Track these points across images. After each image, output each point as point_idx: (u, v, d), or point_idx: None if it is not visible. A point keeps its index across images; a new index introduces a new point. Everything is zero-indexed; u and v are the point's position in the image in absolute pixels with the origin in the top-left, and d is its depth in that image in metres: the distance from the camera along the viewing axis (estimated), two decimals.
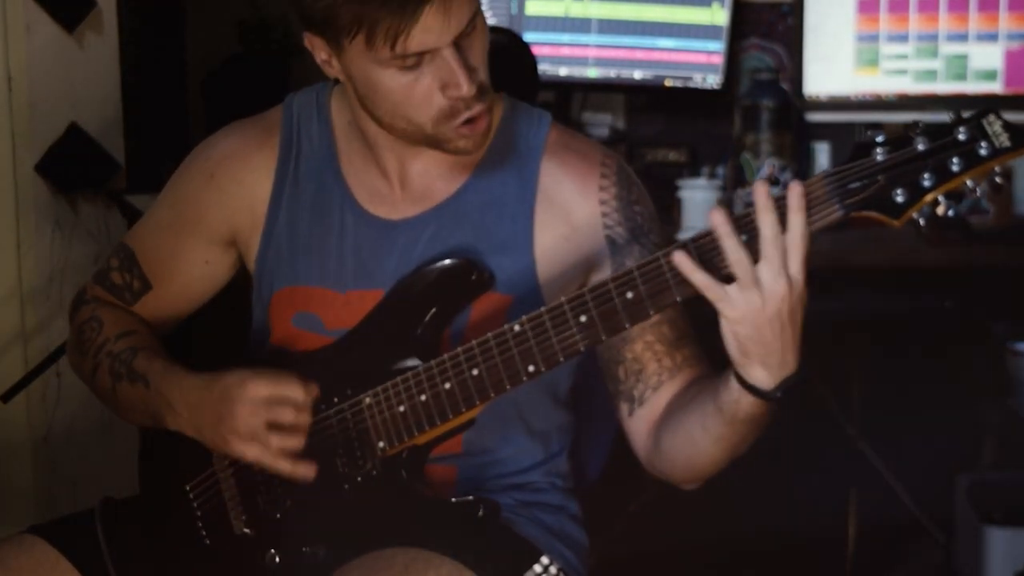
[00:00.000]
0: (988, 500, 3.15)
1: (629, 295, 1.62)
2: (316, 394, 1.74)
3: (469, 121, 1.74)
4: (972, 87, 3.14)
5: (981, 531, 3.08)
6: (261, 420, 1.72)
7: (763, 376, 1.60)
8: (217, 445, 1.78)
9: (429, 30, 1.65)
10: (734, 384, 1.62)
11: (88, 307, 1.99)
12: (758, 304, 1.55)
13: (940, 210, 1.53)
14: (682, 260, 1.58)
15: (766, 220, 1.55)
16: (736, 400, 1.63)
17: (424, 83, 1.70)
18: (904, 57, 3.15)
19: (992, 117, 1.51)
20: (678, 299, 1.61)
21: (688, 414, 1.73)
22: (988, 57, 3.13)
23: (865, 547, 3.41)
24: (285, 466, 1.74)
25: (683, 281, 1.59)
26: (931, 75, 3.15)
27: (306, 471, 1.74)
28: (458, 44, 1.69)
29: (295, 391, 1.72)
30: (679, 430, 1.74)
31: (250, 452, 1.74)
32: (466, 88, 1.69)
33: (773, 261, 1.55)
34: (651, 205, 1.87)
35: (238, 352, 1.98)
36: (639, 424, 1.81)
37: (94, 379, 1.94)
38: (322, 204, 1.88)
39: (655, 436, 1.79)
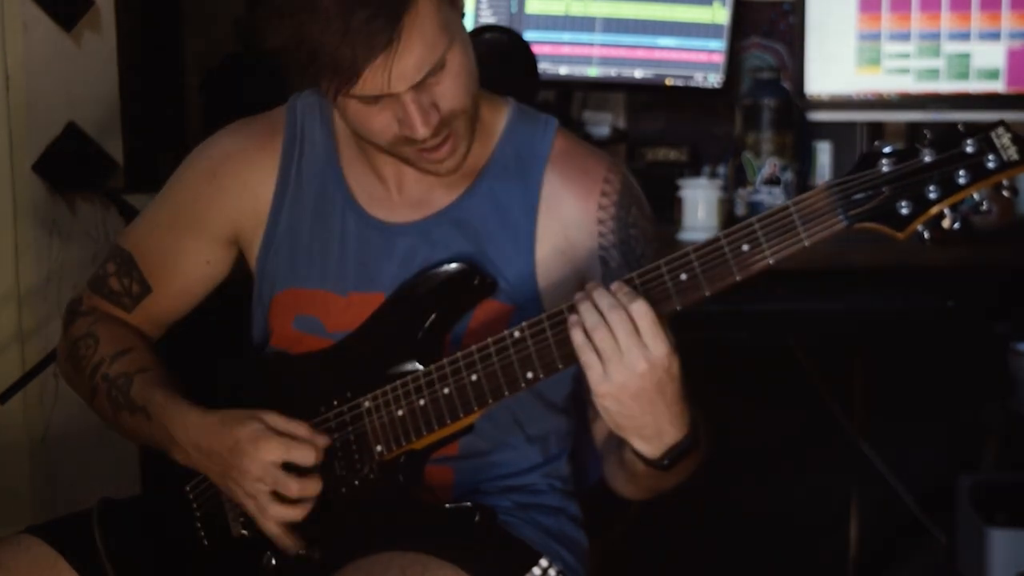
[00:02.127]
0: (990, 501, 3.15)
1: None
2: (325, 446, 1.75)
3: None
4: (974, 86, 3.13)
5: (983, 532, 3.08)
6: (267, 487, 1.73)
7: (644, 447, 1.64)
8: (222, 488, 1.80)
9: (374, 83, 1.64)
10: (628, 447, 1.66)
11: (84, 320, 1.98)
12: (619, 379, 1.57)
13: (946, 223, 1.52)
14: (575, 319, 1.60)
15: (601, 302, 1.58)
16: (632, 461, 1.68)
17: (383, 116, 1.70)
18: (906, 56, 3.14)
19: (1001, 130, 1.50)
20: (678, 308, 1.61)
21: (610, 450, 1.78)
22: (990, 56, 3.12)
23: (867, 548, 3.41)
24: (274, 531, 1.76)
25: (683, 290, 1.60)
26: (933, 74, 3.13)
27: (293, 545, 1.77)
28: (420, 86, 1.67)
29: (306, 456, 1.73)
30: (608, 459, 1.80)
31: (250, 508, 1.77)
32: (421, 132, 1.68)
33: (621, 334, 1.57)
34: (650, 226, 1.87)
35: (237, 354, 1.97)
36: (597, 431, 1.85)
37: (93, 401, 1.95)
38: (324, 206, 1.87)
39: (601, 449, 1.84)
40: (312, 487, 1.74)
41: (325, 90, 1.66)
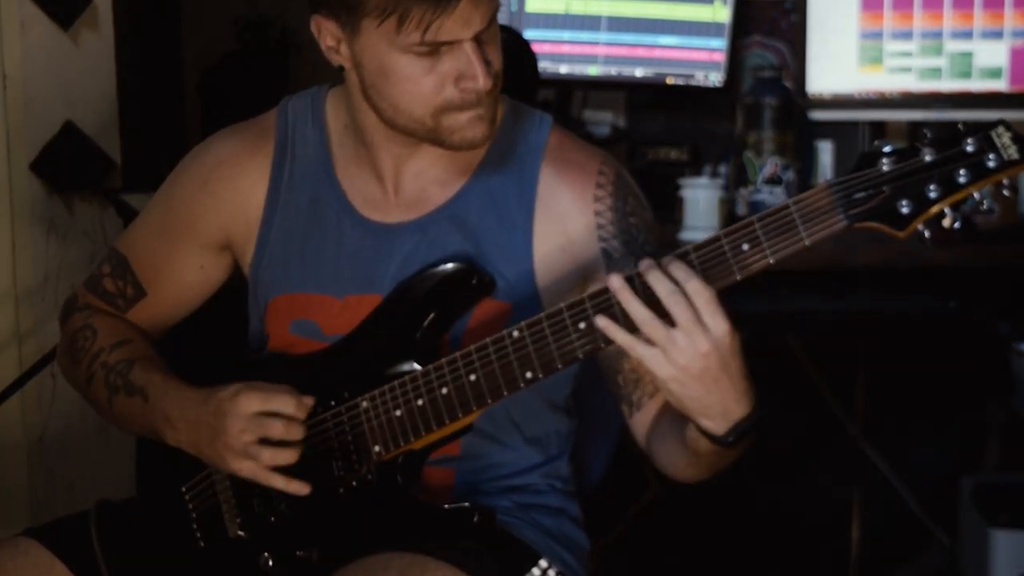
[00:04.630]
0: (993, 502, 3.13)
1: None
2: (310, 406, 1.74)
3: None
4: (977, 85, 3.12)
5: (986, 533, 3.06)
6: (253, 436, 1.72)
7: (710, 424, 1.61)
8: (215, 462, 1.79)
9: (458, 21, 1.65)
10: (691, 425, 1.64)
11: (81, 315, 1.98)
12: (682, 363, 1.55)
13: (946, 222, 1.52)
14: (606, 323, 1.59)
15: (656, 283, 1.55)
16: (695, 439, 1.65)
17: (439, 72, 1.70)
18: (908, 55, 3.13)
19: (1001, 129, 1.50)
20: None
21: (666, 435, 1.75)
22: (993, 54, 3.11)
23: (869, 549, 3.40)
24: (278, 482, 1.74)
25: None
26: (935, 73, 3.12)
27: (299, 487, 1.75)
28: (478, 38, 1.69)
29: (286, 404, 1.72)
30: (662, 445, 1.77)
31: (244, 468, 1.74)
32: (482, 81, 1.69)
33: (682, 319, 1.55)
34: (649, 216, 1.86)
35: (236, 359, 1.96)
36: (638, 426, 1.81)
37: (88, 389, 1.94)
38: (317, 209, 1.87)
39: (650, 439, 1.80)
40: (296, 431, 1.73)
41: (408, 32, 1.65)
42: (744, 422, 1.61)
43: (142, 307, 1.97)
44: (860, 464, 3.38)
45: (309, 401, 1.74)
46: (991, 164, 1.49)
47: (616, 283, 1.58)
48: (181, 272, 1.95)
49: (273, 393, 1.72)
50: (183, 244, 1.93)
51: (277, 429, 1.71)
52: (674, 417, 1.71)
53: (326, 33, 1.75)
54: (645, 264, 1.58)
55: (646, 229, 1.83)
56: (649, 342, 1.56)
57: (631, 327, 1.57)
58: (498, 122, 1.80)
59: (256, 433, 1.72)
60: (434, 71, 1.69)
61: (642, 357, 1.57)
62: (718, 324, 1.55)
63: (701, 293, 1.55)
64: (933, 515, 3.37)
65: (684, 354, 1.55)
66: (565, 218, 1.82)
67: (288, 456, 1.73)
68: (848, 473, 3.41)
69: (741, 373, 1.59)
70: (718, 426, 1.61)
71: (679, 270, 1.57)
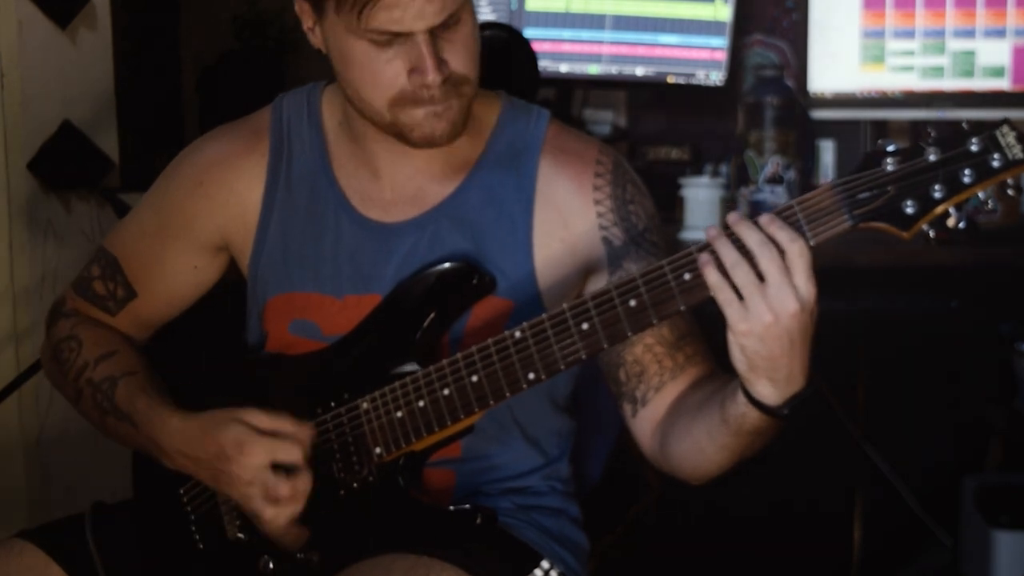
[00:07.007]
0: (994, 503, 3.12)
1: (632, 303, 1.59)
2: (311, 436, 1.73)
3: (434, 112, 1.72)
4: (979, 84, 3.11)
5: (987, 534, 3.05)
6: (258, 491, 1.71)
7: (770, 392, 1.57)
8: (217, 491, 1.79)
9: (395, 8, 1.64)
10: (741, 398, 1.60)
11: (67, 322, 1.97)
12: (768, 319, 1.52)
13: (951, 222, 1.51)
14: (705, 260, 1.55)
15: (750, 237, 1.53)
16: (743, 414, 1.61)
17: (394, 64, 1.69)
18: (910, 53, 3.12)
19: (1005, 128, 1.49)
20: (682, 308, 1.58)
21: (694, 421, 1.71)
22: (996, 53, 3.10)
23: (870, 550, 3.39)
24: (275, 533, 1.74)
25: (687, 289, 1.57)
26: (938, 71, 3.12)
27: (295, 542, 1.75)
28: (435, 34, 1.68)
29: (293, 454, 1.71)
30: (685, 437, 1.72)
31: (245, 510, 1.75)
32: (431, 76, 1.68)
33: (774, 276, 1.52)
34: (650, 204, 1.84)
35: (235, 359, 1.95)
36: (643, 424, 1.79)
37: (79, 404, 1.93)
38: (315, 208, 1.86)
39: (660, 437, 1.77)
40: (303, 483, 1.72)
41: (345, 12, 1.65)
42: (800, 395, 1.58)
43: (132, 308, 1.95)
44: (860, 464, 3.37)
45: (308, 434, 1.73)
46: (996, 164, 1.49)
47: (712, 231, 1.56)
48: (174, 273, 1.93)
49: (278, 443, 1.71)
50: (177, 245, 1.92)
51: (283, 490, 1.71)
52: (707, 397, 1.69)
53: (305, 15, 1.76)
54: (733, 217, 1.56)
55: (647, 216, 1.83)
56: (736, 291, 1.53)
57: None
58: (466, 123, 1.78)
59: (262, 489, 1.71)
60: (389, 62, 1.69)
61: (724, 304, 1.54)
62: (810, 288, 1.53)
63: (801, 254, 1.52)
64: (934, 516, 3.36)
65: (771, 309, 1.52)
66: (564, 209, 1.81)
67: (293, 511, 1.72)
68: (848, 473, 3.40)
69: (809, 344, 1.56)
70: (779, 393, 1.57)
71: (776, 224, 1.53)
